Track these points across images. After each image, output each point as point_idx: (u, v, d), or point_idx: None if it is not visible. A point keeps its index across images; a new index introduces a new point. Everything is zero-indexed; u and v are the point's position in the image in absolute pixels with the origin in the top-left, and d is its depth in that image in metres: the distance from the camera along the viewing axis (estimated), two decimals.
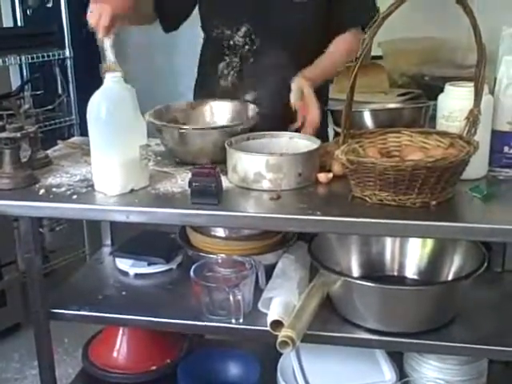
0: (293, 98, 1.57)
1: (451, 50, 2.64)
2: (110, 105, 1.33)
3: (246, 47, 1.78)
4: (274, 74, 1.76)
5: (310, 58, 1.74)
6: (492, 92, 1.41)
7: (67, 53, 2.99)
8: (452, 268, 1.44)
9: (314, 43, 1.78)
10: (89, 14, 1.50)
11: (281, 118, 1.62)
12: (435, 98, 1.45)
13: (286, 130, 1.56)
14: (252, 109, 1.61)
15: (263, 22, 1.76)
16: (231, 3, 1.79)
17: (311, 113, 1.57)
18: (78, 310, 1.50)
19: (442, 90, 1.43)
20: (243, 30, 1.77)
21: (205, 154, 1.50)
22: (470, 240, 1.39)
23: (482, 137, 1.33)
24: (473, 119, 1.30)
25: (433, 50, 2.69)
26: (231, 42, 1.79)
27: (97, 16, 1.48)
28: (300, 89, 1.58)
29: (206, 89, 1.90)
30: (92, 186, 1.41)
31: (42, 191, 1.40)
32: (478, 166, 1.36)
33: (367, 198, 1.27)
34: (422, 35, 2.76)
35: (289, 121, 1.60)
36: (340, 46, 1.76)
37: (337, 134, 1.62)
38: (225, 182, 1.37)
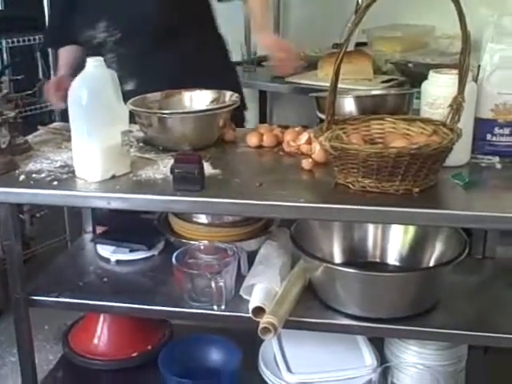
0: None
1: (435, 37, 2.64)
2: (91, 90, 1.31)
3: (110, 39, 1.86)
4: (143, 60, 1.85)
5: (179, 35, 1.85)
6: (475, 80, 1.42)
7: None
8: (433, 254, 1.45)
9: (178, 20, 1.86)
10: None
11: None
12: (419, 85, 1.45)
13: None
14: (230, 95, 1.61)
15: (118, 12, 1.84)
16: (87, 4, 1.88)
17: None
18: (59, 297, 1.49)
19: (426, 77, 1.43)
20: (102, 26, 1.85)
21: (186, 140, 1.49)
22: (451, 227, 1.40)
23: (465, 124, 1.33)
24: (456, 106, 1.30)
25: (417, 37, 2.68)
26: (98, 40, 1.87)
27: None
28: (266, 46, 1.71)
29: None
30: (73, 172, 1.39)
31: (21, 177, 1.38)
32: (460, 153, 1.36)
33: (350, 185, 1.27)
34: (407, 22, 2.76)
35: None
36: None
37: (321, 121, 1.61)
38: (207, 169, 1.36)
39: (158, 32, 1.85)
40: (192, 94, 1.67)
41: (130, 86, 1.85)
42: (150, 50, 1.85)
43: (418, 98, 1.47)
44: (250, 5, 1.87)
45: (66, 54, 2.00)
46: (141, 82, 1.86)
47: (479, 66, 1.44)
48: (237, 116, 1.65)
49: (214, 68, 1.96)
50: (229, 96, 1.61)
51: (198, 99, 1.66)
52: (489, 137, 1.44)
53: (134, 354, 1.69)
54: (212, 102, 1.63)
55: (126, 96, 1.77)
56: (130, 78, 1.86)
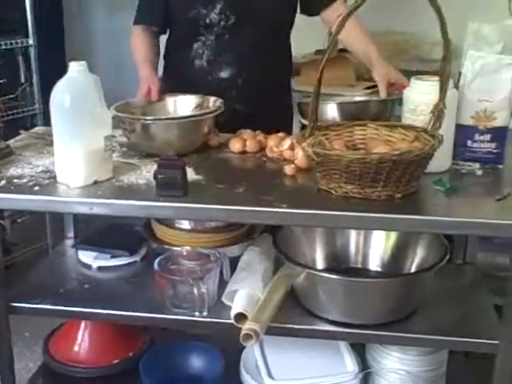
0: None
1: (417, 44, 2.67)
2: (73, 94, 1.31)
3: (222, 23, 1.82)
4: (249, 50, 1.83)
5: (283, 34, 1.87)
6: (457, 86, 1.43)
7: (31, 41, 2.92)
8: (415, 260, 1.46)
9: (288, 18, 1.89)
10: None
11: (257, 92, 1.73)
12: (400, 94, 1.46)
13: (262, 104, 1.60)
14: (213, 101, 1.61)
15: None
16: None
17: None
18: (40, 304, 1.47)
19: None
20: (218, 6, 1.80)
21: (170, 146, 1.49)
22: (432, 233, 1.41)
23: (446, 130, 1.35)
24: (437, 113, 1.31)
25: (399, 43, 2.71)
26: (207, 21, 1.82)
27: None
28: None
29: (178, 71, 1.92)
30: (55, 177, 1.38)
31: (2, 182, 1.37)
32: (441, 160, 1.37)
33: (333, 191, 1.28)
34: (388, 29, 2.78)
35: (265, 96, 1.70)
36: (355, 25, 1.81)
37: (304, 127, 1.62)
38: (191, 174, 1.36)
39: (269, 25, 1.85)
40: (176, 99, 1.67)
41: (225, 74, 1.85)
42: (257, 41, 1.84)
43: (401, 104, 1.48)
44: (356, 37, 1.86)
45: (145, 49, 1.87)
46: (237, 71, 1.85)
47: (460, 73, 1.46)
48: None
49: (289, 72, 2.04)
50: (212, 101, 1.61)
51: (182, 105, 1.67)
52: (469, 143, 1.45)
53: (115, 361, 1.67)
54: (196, 107, 1.63)
55: (220, 84, 1.84)
56: (226, 65, 1.84)
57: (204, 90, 1.69)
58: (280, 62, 1.96)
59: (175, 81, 1.89)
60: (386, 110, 1.58)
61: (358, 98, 1.72)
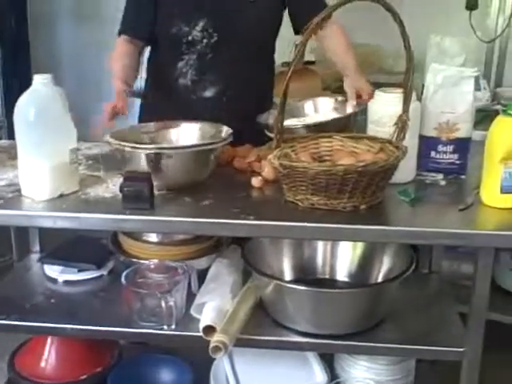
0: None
1: (382, 57, 2.71)
2: (38, 107, 1.30)
3: (204, 41, 1.81)
4: (233, 68, 1.82)
5: (267, 51, 1.86)
6: (420, 98, 1.45)
7: None
8: (381, 270, 1.47)
9: (269, 41, 1.89)
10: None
11: (242, 110, 1.71)
12: (366, 103, 1.48)
13: (248, 121, 1.60)
14: (226, 130, 1.46)
15: (220, 16, 1.80)
16: (189, 0, 1.82)
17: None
18: (5, 320, 1.45)
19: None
20: (201, 24, 1.79)
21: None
22: (398, 243, 1.42)
23: (410, 142, 1.37)
24: (401, 125, 1.33)
25: (364, 56, 2.73)
26: (189, 38, 1.81)
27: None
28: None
29: (162, 90, 1.90)
30: (19, 190, 1.36)
31: None
32: (406, 171, 1.39)
33: (299, 202, 1.28)
34: (354, 42, 2.81)
35: (251, 112, 1.67)
36: (340, 35, 1.87)
37: (269, 139, 1.63)
38: (156, 187, 1.35)
39: (253, 43, 1.84)
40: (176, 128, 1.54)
41: (209, 93, 1.83)
42: (240, 60, 1.82)
43: (364, 115, 1.50)
44: (335, 49, 1.88)
45: (120, 64, 1.79)
46: (222, 90, 1.83)
47: (423, 85, 1.48)
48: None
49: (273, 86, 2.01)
50: (225, 131, 1.47)
51: (186, 133, 1.53)
52: (433, 154, 1.47)
53: (83, 377, 1.65)
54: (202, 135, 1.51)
55: (204, 103, 1.82)
56: (210, 84, 1.83)
57: (188, 109, 1.68)
58: (264, 78, 1.96)
59: (159, 99, 1.88)
60: (350, 123, 1.60)
61: (319, 119, 1.69)
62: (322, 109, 1.77)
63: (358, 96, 1.69)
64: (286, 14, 1.89)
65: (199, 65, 1.83)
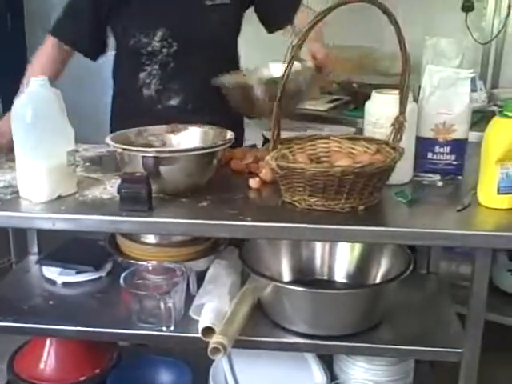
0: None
1: (378, 59, 2.71)
2: (35, 109, 1.29)
3: (164, 51, 1.79)
4: (196, 76, 1.80)
5: (229, 54, 1.83)
6: (416, 100, 1.46)
7: None
8: (380, 271, 1.48)
9: (231, 44, 1.87)
10: None
11: (208, 115, 1.66)
12: (363, 105, 1.48)
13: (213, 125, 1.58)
14: (230, 134, 1.44)
15: (178, 24, 1.79)
16: (146, 10, 1.80)
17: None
18: (3, 321, 1.45)
19: (369, 97, 1.47)
20: (159, 34, 1.78)
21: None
22: (395, 243, 1.43)
23: (407, 143, 1.37)
24: (398, 126, 1.34)
25: (361, 58, 2.75)
26: (149, 49, 1.79)
27: None
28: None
29: (128, 99, 1.89)
30: (17, 192, 1.36)
31: None
32: (403, 172, 1.40)
33: (297, 204, 1.29)
34: (351, 44, 2.82)
35: (216, 117, 1.62)
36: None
37: (266, 140, 1.63)
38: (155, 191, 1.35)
39: (214, 50, 1.81)
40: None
41: (174, 102, 1.82)
42: (203, 67, 1.80)
43: (361, 116, 1.50)
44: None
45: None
46: (186, 98, 1.82)
47: (420, 87, 1.49)
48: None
49: None
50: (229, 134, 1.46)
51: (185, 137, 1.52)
52: (430, 155, 1.48)
53: (82, 378, 1.65)
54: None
55: (169, 111, 1.80)
56: (175, 93, 1.82)
57: (154, 117, 1.65)
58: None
59: (126, 107, 1.87)
60: (300, 83, 1.55)
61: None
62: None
63: (314, 58, 1.68)
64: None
65: (162, 75, 1.82)
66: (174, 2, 1.79)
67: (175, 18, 1.78)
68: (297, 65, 1.54)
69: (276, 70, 1.65)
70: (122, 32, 1.82)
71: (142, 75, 1.82)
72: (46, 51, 1.83)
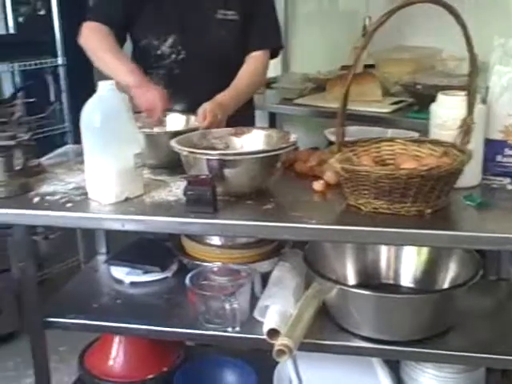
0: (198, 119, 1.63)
1: (442, 60, 2.66)
2: (103, 113, 1.33)
3: (172, 56, 1.87)
4: (200, 85, 1.83)
5: (234, 70, 1.85)
6: (484, 101, 1.43)
7: (60, 60, 2.99)
8: (447, 276, 1.45)
9: (237, 57, 1.89)
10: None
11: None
12: (427, 107, 1.46)
13: None
14: (294, 137, 1.43)
15: (188, 34, 1.85)
16: (160, 15, 1.86)
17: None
18: (74, 319, 1.49)
19: (434, 99, 1.44)
20: (170, 40, 1.85)
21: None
22: (463, 248, 1.40)
23: (475, 145, 1.34)
24: (466, 128, 1.31)
25: (424, 59, 2.70)
26: (158, 52, 1.87)
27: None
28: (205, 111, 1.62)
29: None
30: (86, 194, 1.41)
31: (36, 199, 1.40)
32: (471, 175, 1.37)
33: (362, 207, 1.28)
34: (417, 45, 2.78)
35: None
36: (245, 71, 1.87)
37: (330, 143, 1.63)
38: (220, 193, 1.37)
39: (218, 61, 1.87)
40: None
41: (178, 107, 1.85)
42: (207, 77, 1.85)
43: (426, 118, 1.48)
44: (240, 72, 1.87)
45: (126, 58, 1.80)
46: (190, 105, 1.81)
47: (487, 88, 1.45)
48: None
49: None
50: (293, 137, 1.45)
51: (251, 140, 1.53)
52: (499, 158, 1.44)
53: (150, 376, 1.68)
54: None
55: None
56: (179, 100, 1.84)
57: None
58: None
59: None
60: None
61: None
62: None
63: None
64: None
65: (167, 79, 1.87)
66: (188, 12, 1.86)
67: (187, 28, 1.85)
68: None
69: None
70: (136, 30, 1.88)
71: (151, 75, 1.86)
72: (101, 34, 1.83)
